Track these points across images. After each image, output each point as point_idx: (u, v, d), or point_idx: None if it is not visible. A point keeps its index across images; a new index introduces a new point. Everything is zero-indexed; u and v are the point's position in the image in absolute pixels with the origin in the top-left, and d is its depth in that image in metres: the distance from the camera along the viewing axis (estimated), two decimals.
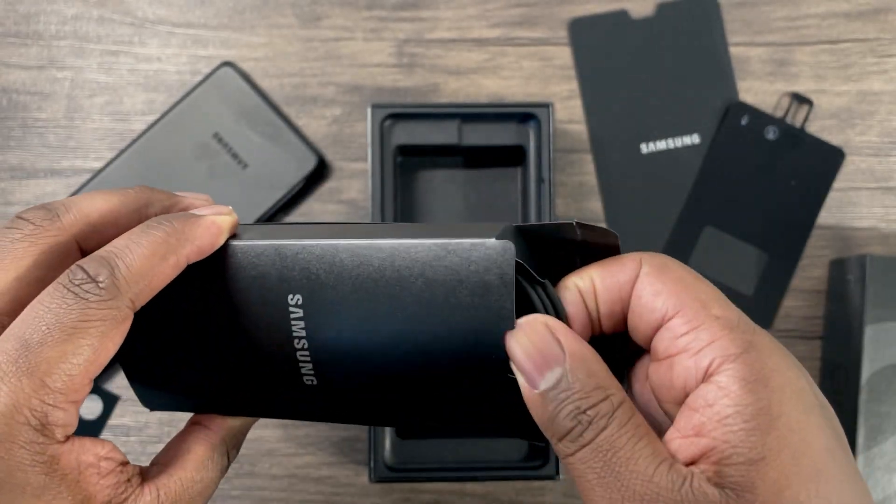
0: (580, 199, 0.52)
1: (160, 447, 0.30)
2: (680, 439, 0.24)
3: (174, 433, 0.31)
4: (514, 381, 0.26)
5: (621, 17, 0.53)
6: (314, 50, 0.52)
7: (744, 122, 0.52)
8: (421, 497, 0.50)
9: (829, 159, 0.51)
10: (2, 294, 0.26)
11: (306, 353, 0.27)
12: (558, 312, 0.26)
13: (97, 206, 0.28)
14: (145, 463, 0.29)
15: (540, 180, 0.47)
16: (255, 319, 0.27)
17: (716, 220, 0.51)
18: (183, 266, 0.26)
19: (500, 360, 0.26)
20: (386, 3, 0.52)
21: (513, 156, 0.49)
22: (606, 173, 0.52)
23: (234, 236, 0.28)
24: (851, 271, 0.48)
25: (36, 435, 0.24)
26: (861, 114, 0.52)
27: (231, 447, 0.30)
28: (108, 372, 0.48)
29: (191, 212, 0.28)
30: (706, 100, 0.52)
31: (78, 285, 0.24)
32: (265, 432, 0.51)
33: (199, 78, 0.52)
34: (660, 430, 0.25)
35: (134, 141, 0.51)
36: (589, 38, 0.53)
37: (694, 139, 0.52)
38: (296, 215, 0.52)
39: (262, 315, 0.27)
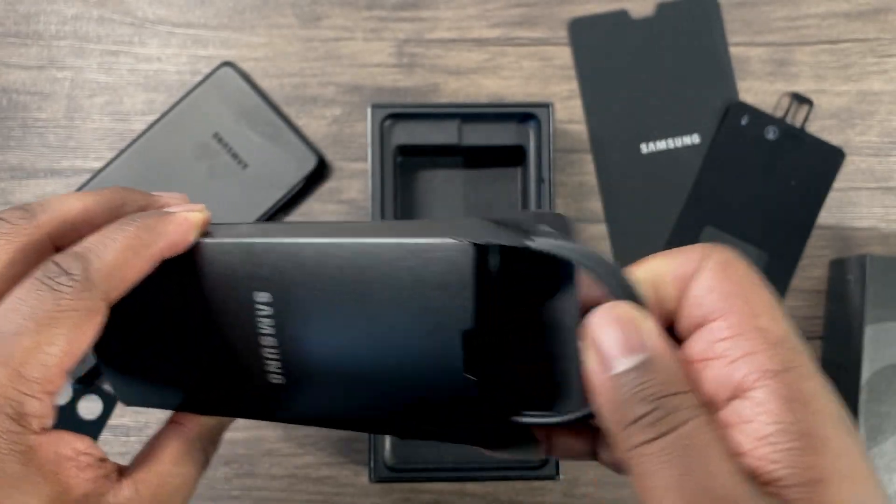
0: (580, 199, 0.52)
1: None
2: None
3: None
4: (473, 384, 0.25)
5: (621, 17, 0.53)
6: (314, 50, 0.52)
7: (744, 122, 0.52)
8: (421, 497, 0.50)
9: (829, 159, 0.52)
10: None
11: (273, 350, 0.28)
12: (635, 300, 0.25)
13: (72, 205, 0.28)
14: None
15: (540, 180, 0.47)
16: (224, 316, 0.28)
17: (716, 219, 0.51)
18: (156, 261, 0.27)
19: (460, 362, 0.25)
20: (386, 3, 0.52)
21: (513, 156, 0.49)
22: (606, 173, 0.52)
23: (206, 234, 0.28)
24: (851, 271, 0.48)
25: (12, 424, 0.24)
26: (861, 114, 0.52)
27: (208, 444, 0.31)
28: None
29: (163, 209, 0.28)
30: (706, 100, 0.52)
31: (52, 279, 0.25)
32: (265, 432, 0.51)
33: (199, 78, 0.52)
34: None
35: (134, 141, 0.51)
36: (589, 38, 0.53)
37: (694, 139, 0.52)
38: (296, 215, 0.52)
39: (231, 312, 0.28)
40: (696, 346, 0.25)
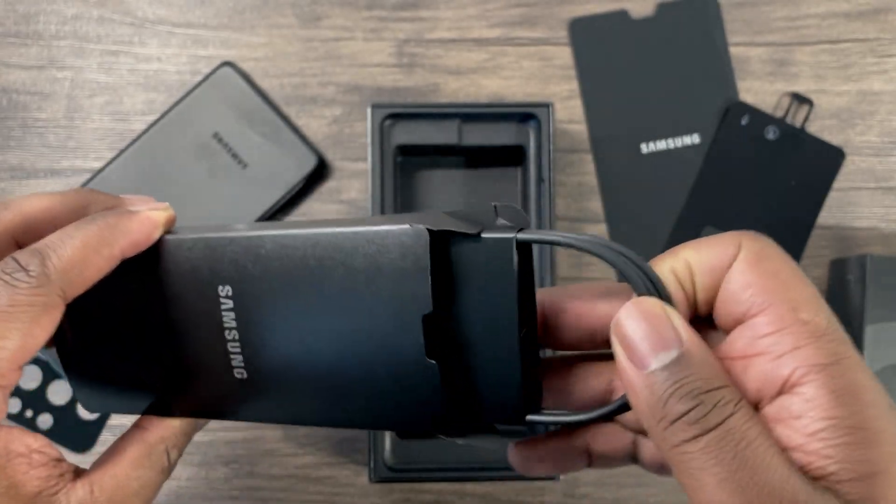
0: (580, 199, 0.52)
1: None
2: None
3: None
4: (433, 369, 0.25)
5: (621, 17, 0.53)
6: (314, 50, 0.52)
7: (744, 122, 0.52)
8: (421, 497, 0.50)
9: (829, 159, 0.51)
10: None
11: (236, 344, 0.28)
12: (661, 295, 0.25)
13: (36, 205, 0.28)
14: None
15: (540, 180, 0.47)
16: (189, 313, 0.28)
17: (716, 220, 0.51)
18: (118, 259, 0.27)
19: (421, 346, 0.25)
20: (386, 3, 0.52)
21: (513, 156, 0.49)
22: (606, 173, 0.52)
23: (171, 233, 0.28)
24: (851, 271, 0.48)
25: None
26: (861, 114, 0.52)
27: (171, 447, 0.30)
28: None
29: (127, 208, 0.28)
30: (706, 100, 0.52)
31: (9, 274, 0.25)
32: (265, 432, 0.51)
33: (199, 78, 0.52)
34: None
35: (134, 141, 0.51)
36: (589, 38, 0.53)
37: (694, 139, 0.52)
38: (296, 215, 0.52)
39: (196, 308, 0.28)
40: (738, 342, 0.24)
